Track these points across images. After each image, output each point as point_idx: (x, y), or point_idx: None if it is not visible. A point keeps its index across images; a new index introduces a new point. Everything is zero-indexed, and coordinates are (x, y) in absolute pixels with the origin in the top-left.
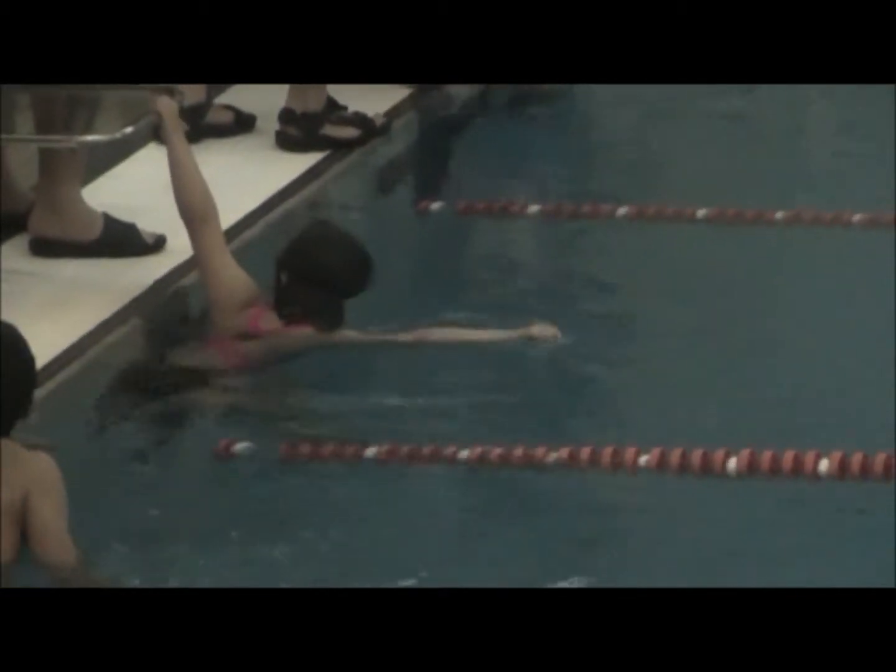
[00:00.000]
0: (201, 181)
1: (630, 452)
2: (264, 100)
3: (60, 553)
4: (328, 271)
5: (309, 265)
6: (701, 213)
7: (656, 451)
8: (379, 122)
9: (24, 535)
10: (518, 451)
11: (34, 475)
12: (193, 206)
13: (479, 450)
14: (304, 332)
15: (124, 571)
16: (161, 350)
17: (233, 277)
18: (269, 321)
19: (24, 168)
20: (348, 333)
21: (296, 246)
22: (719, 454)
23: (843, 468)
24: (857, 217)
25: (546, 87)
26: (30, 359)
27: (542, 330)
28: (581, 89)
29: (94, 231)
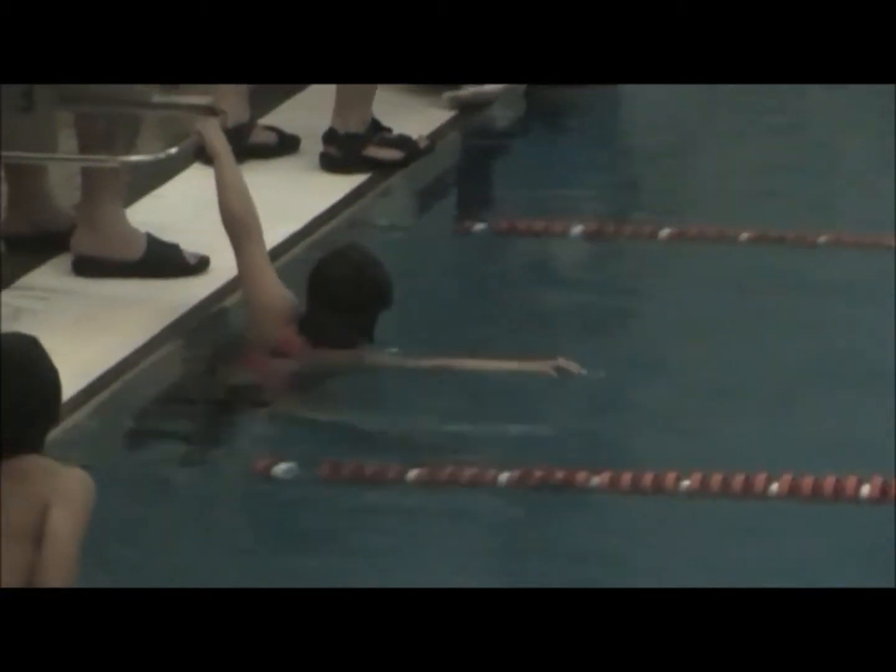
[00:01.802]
0: (246, 196)
1: (671, 477)
2: (308, 121)
3: (59, 573)
4: (343, 294)
5: (326, 288)
6: (743, 235)
7: (697, 476)
8: (422, 143)
9: None
10: (559, 475)
11: (59, 488)
12: (236, 220)
13: (518, 473)
14: (332, 354)
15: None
16: (202, 370)
17: (273, 293)
18: (299, 341)
19: (65, 187)
20: (377, 357)
21: (317, 269)
22: (759, 479)
23: (884, 493)
24: None
25: (585, 100)
26: (52, 370)
27: (565, 364)
28: (624, 106)
29: (137, 251)
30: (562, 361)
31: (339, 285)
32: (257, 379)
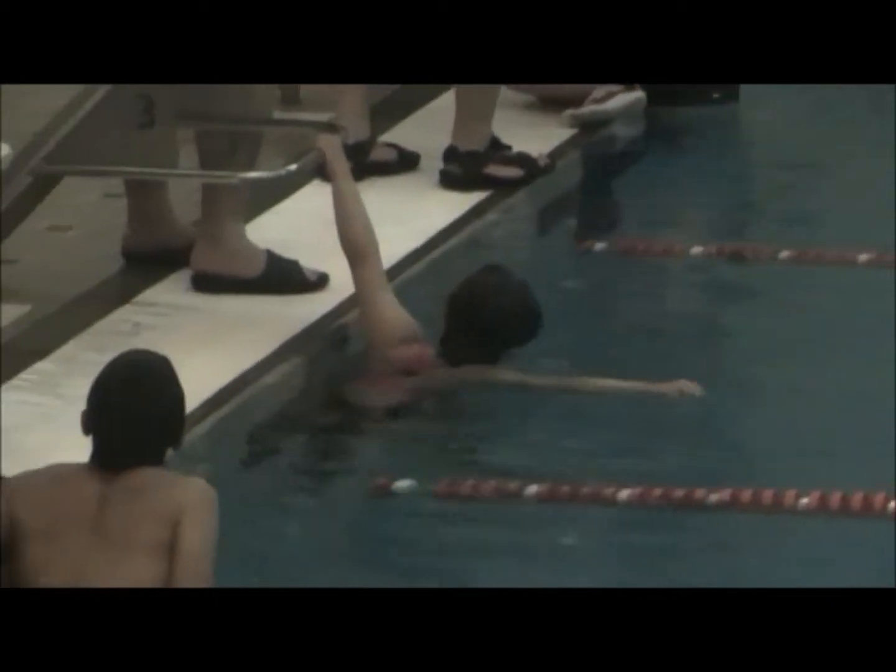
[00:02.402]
0: (364, 218)
1: (790, 495)
2: (428, 138)
3: (196, 583)
4: (495, 321)
5: (477, 312)
6: (862, 257)
7: (816, 494)
8: (543, 161)
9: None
10: (678, 493)
11: (186, 501)
12: (353, 243)
13: (639, 491)
14: (458, 371)
15: None
16: (321, 388)
17: (390, 315)
18: (427, 358)
19: (186, 203)
20: (506, 374)
21: (465, 290)
22: (879, 497)
23: None
24: None
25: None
26: (180, 389)
27: (686, 387)
28: (744, 124)
29: (257, 267)
30: (683, 384)
31: (476, 307)
32: (382, 399)
